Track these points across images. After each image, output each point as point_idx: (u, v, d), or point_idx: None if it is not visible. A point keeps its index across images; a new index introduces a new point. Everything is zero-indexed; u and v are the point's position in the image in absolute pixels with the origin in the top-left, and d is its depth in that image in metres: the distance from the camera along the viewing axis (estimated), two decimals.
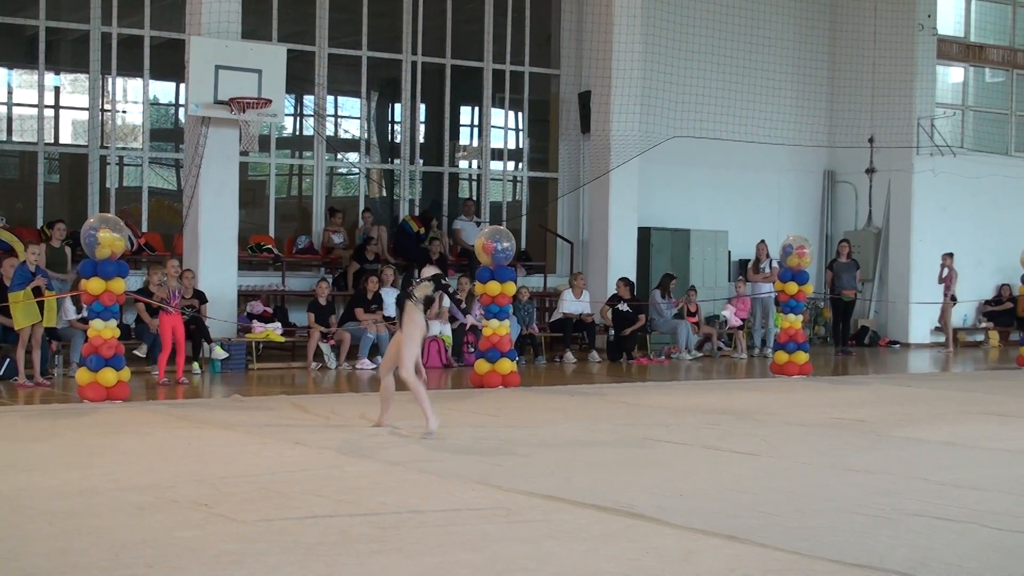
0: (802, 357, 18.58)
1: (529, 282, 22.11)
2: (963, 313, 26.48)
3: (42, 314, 15.23)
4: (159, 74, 21.18)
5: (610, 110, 22.66)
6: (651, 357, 21.09)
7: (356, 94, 23.02)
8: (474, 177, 24.66)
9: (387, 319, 19.00)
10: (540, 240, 24.31)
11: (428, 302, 11.58)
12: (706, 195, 25.03)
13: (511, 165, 24.59)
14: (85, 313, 15.12)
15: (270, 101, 18.60)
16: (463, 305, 18.45)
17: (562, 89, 23.88)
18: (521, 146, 24.82)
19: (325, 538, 7.11)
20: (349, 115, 24.08)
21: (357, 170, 23.46)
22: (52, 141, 21.10)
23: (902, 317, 25.87)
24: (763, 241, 23.31)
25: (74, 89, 21.74)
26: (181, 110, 21.30)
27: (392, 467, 9.71)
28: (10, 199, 20.97)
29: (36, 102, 20.24)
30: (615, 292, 21.27)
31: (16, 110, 21.02)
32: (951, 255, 24.45)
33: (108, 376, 13.79)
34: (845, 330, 23.66)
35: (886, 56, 25.91)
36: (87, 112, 20.57)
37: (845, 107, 26.32)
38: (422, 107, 23.55)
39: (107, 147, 20.49)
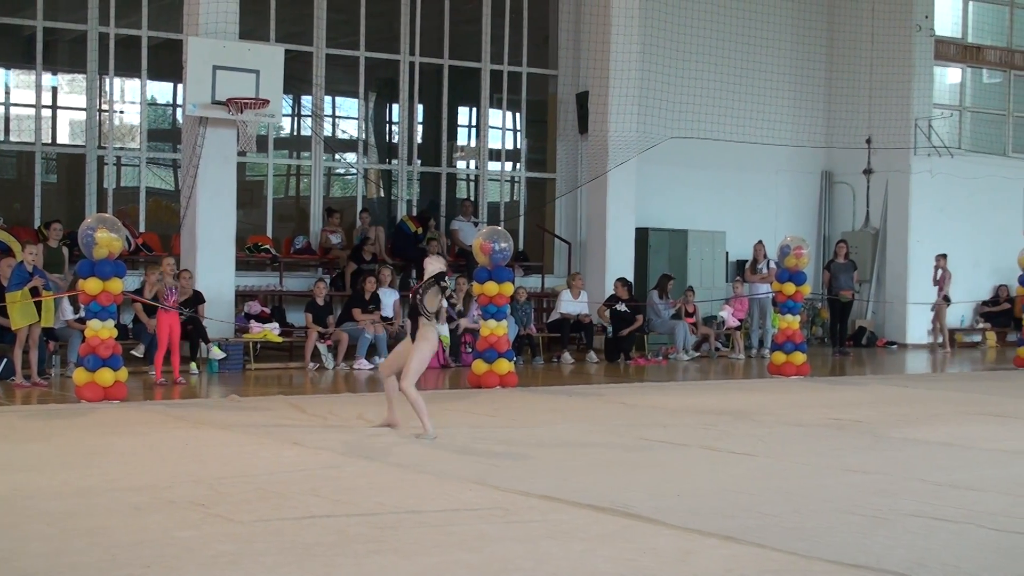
0: (799, 358, 18.59)
1: (527, 282, 22.12)
2: (960, 314, 26.49)
3: (39, 314, 15.22)
4: (157, 74, 21.17)
5: (608, 111, 22.66)
6: (649, 358, 21.10)
7: (354, 94, 23.02)
8: (472, 177, 24.66)
9: (384, 319, 19.02)
10: (538, 241, 24.31)
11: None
12: (704, 196, 25.03)
13: (509, 166, 24.59)
14: (82, 313, 15.13)
15: (268, 101, 18.59)
16: (458, 307, 18.46)
17: (560, 90, 23.88)
18: (519, 147, 24.83)
19: (322, 538, 7.11)
20: (347, 115, 24.09)
21: (355, 170, 23.46)
22: (49, 141, 21.11)
23: (899, 318, 25.89)
24: (760, 242, 23.33)
25: (71, 89, 21.73)
26: (179, 110, 21.28)
27: (389, 467, 9.71)
28: (7, 199, 20.97)
29: (34, 102, 20.24)
30: (613, 293, 21.27)
31: (13, 110, 21.01)
32: (944, 256, 24.47)
33: (105, 376, 13.78)
34: (842, 331, 23.66)
35: (883, 57, 25.93)
36: (84, 112, 20.56)
37: (842, 108, 26.34)
38: (420, 107, 23.55)
39: (105, 147, 20.48)
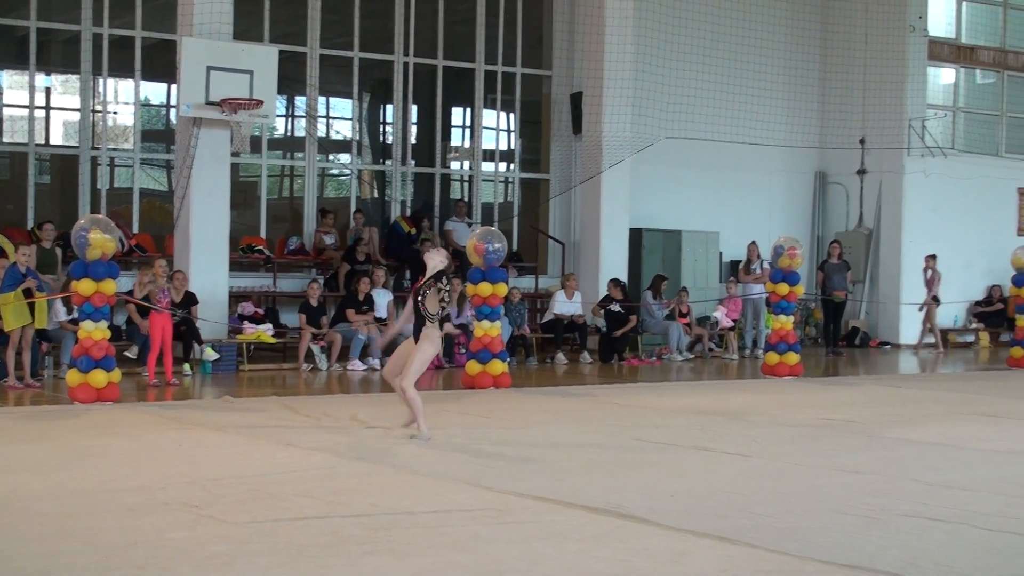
0: (793, 358, 18.59)
1: (520, 283, 22.11)
2: (953, 314, 26.51)
3: (32, 315, 15.20)
4: (150, 75, 21.16)
5: (602, 111, 22.66)
6: (642, 358, 21.10)
7: (348, 95, 23.01)
8: (466, 178, 24.66)
9: (378, 320, 19.01)
10: (532, 241, 24.31)
11: (445, 318, 11.52)
12: (698, 196, 25.04)
13: (503, 166, 24.60)
14: (76, 314, 15.10)
15: (262, 102, 18.58)
16: (447, 310, 18.44)
17: (554, 90, 23.88)
18: (513, 147, 24.81)
19: (316, 539, 7.11)
20: (341, 116, 24.09)
21: (349, 171, 23.45)
22: (43, 142, 21.09)
23: (893, 318, 25.90)
24: (754, 242, 23.33)
25: (65, 90, 21.71)
26: (172, 111, 21.25)
27: (383, 468, 9.71)
28: (0, 200, 20.93)
29: (27, 103, 20.21)
30: (607, 293, 21.28)
31: (7, 111, 20.96)
32: (934, 257, 24.48)
33: (98, 377, 13.76)
34: (836, 331, 23.68)
35: (877, 57, 25.95)
36: (78, 113, 20.53)
37: (836, 108, 26.34)
38: (414, 108, 23.53)
39: (98, 148, 20.47)
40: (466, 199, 23.76)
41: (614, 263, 22.69)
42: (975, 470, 10.17)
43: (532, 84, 24.23)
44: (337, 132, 24.23)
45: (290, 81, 21.69)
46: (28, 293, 15.07)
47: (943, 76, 27.51)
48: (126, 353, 16.86)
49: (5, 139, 21.08)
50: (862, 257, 26.18)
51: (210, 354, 17.61)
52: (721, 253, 24.89)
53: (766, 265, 21.72)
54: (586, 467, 9.96)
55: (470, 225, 22.04)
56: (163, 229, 20.45)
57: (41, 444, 10.91)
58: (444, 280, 11.35)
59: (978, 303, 27.07)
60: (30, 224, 19.37)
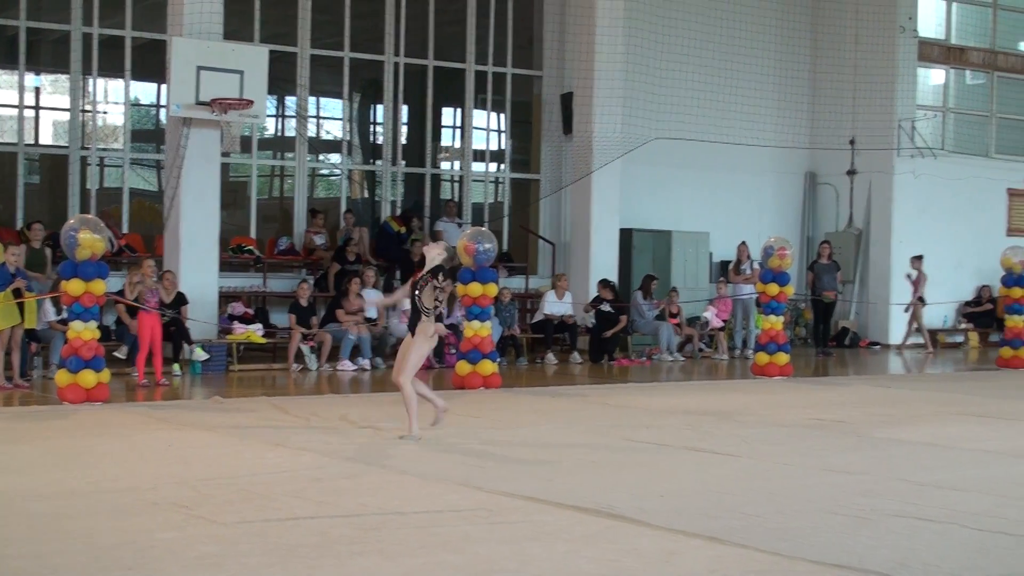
0: (783, 358, 18.61)
1: (511, 283, 22.09)
2: (943, 314, 26.55)
3: (22, 316, 15.17)
4: (140, 75, 21.14)
5: (592, 111, 22.66)
6: (632, 358, 21.11)
7: (338, 95, 23.00)
8: (456, 178, 24.66)
9: (368, 320, 18.99)
10: (522, 241, 24.30)
11: (439, 316, 11.50)
12: (688, 197, 25.05)
13: (493, 166, 24.59)
14: (65, 315, 15.07)
15: (252, 102, 18.53)
16: (439, 310, 18.42)
17: (544, 90, 23.88)
18: (503, 147, 24.81)
19: (306, 540, 7.10)
20: (331, 116, 24.08)
21: (339, 171, 23.44)
22: (32, 142, 21.04)
23: (882, 318, 25.93)
24: (744, 243, 23.35)
25: (55, 90, 21.68)
26: (162, 111, 21.23)
27: (373, 469, 9.70)
28: None
29: (16, 103, 20.17)
30: (597, 294, 21.28)
31: None
32: (920, 258, 24.49)
33: (88, 378, 13.73)
34: (826, 331, 23.70)
35: (867, 58, 25.99)
36: (68, 113, 20.50)
37: (826, 109, 26.36)
38: (404, 108, 23.53)
39: (88, 148, 20.43)
40: (456, 199, 23.76)
41: (604, 263, 22.69)
42: (965, 470, 10.19)
43: (522, 84, 24.23)
44: (327, 132, 24.21)
45: (280, 81, 21.66)
46: (17, 293, 15.03)
47: (933, 77, 27.56)
48: (115, 353, 16.81)
49: None
50: (852, 257, 26.21)
51: (200, 354, 17.59)
52: (711, 253, 24.91)
53: (756, 265, 21.73)
54: (576, 467, 9.96)
55: (460, 225, 22.03)
56: (153, 229, 20.42)
57: (30, 444, 10.88)
58: (440, 277, 11.29)
59: (967, 303, 27.12)
60: (19, 224, 19.34)
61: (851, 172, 26.49)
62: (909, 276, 24.59)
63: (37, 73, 21.36)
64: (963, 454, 11.09)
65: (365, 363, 18.57)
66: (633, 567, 6.68)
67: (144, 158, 22.44)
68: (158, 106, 22.17)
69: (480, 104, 23.98)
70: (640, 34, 23.23)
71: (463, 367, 16.31)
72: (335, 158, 23.78)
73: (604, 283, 21.32)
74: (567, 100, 23.24)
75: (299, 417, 12.80)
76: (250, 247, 20.94)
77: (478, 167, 24.18)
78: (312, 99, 22.92)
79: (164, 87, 19.76)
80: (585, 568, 6.62)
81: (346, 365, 18.40)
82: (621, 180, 23.14)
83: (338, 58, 22.30)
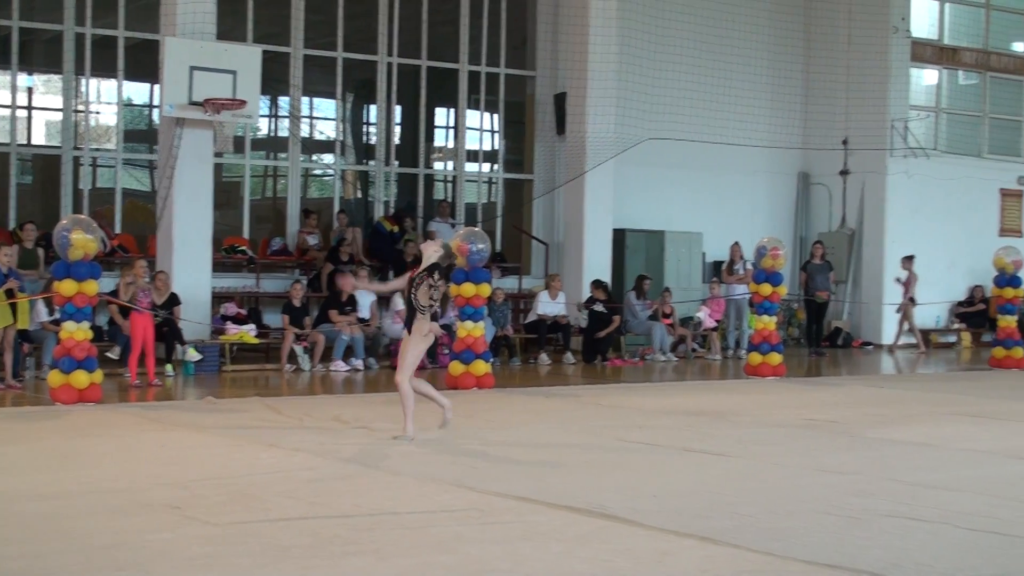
0: (776, 358, 18.63)
1: (504, 284, 22.09)
2: (936, 314, 26.58)
3: (14, 316, 15.14)
4: (133, 75, 21.10)
5: (585, 112, 22.67)
6: (625, 359, 21.11)
7: (331, 95, 22.98)
8: (449, 179, 24.66)
9: (361, 321, 18.99)
10: (515, 242, 24.31)
11: (435, 315, 11.48)
12: (681, 197, 25.05)
13: (486, 167, 24.58)
14: (57, 315, 15.05)
15: (245, 102, 18.52)
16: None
17: (537, 91, 23.88)
18: (496, 148, 24.81)
19: (299, 540, 7.10)
20: (324, 116, 24.05)
21: (332, 172, 23.43)
22: (25, 142, 21.01)
23: (875, 318, 25.95)
24: (737, 243, 23.34)
25: (47, 90, 21.65)
26: (155, 111, 21.21)
27: (366, 469, 9.70)
28: None
29: (9, 103, 20.13)
30: (590, 295, 21.29)
31: None
32: (911, 258, 24.51)
33: (80, 378, 13.71)
34: (818, 331, 23.72)
35: (860, 58, 26.01)
36: (60, 113, 20.48)
37: (819, 109, 26.38)
38: (397, 108, 23.51)
39: (80, 148, 20.40)
40: (449, 200, 23.76)
41: (597, 264, 22.69)
42: (957, 470, 10.20)
43: (516, 85, 24.23)
44: (320, 132, 24.19)
45: (273, 81, 21.65)
46: (10, 294, 15.00)
47: (926, 77, 27.60)
48: (108, 354, 16.80)
49: None
50: (845, 258, 26.23)
51: (192, 355, 17.57)
52: (704, 254, 24.93)
53: (749, 266, 21.73)
54: (569, 467, 9.96)
55: (453, 226, 22.02)
56: (146, 229, 20.39)
57: (23, 445, 10.87)
58: (436, 275, 11.28)
59: (960, 303, 27.15)
60: (12, 224, 19.31)
61: (844, 172, 26.51)
62: (899, 279, 24.62)
63: (30, 73, 21.33)
64: (956, 454, 11.11)
65: (358, 363, 18.56)
66: (626, 567, 6.68)
67: (137, 158, 22.40)
68: (151, 106, 22.15)
69: (473, 104, 23.98)
70: (633, 34, 23.23)
71: (456, 367, 16.30)
72: (328, 158, 23.77)
73: (597, 283, 21.33)
74: (560, 100, 23.24)
75: (292, 418, 12.79)
76: (243, 247, 20.93)
77: (471, 167, 24.17)
78: (305, 99, 22.91)
79: (157, 87, 19.74)
80: (578, 568, 6.63)
81: (339, 365, 18.40)
82: (614, 180, 23.15)
83: (331, 58, 22.29)
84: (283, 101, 22.60)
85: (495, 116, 24.52)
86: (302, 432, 11.77)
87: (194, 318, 17.99)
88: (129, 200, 21.32)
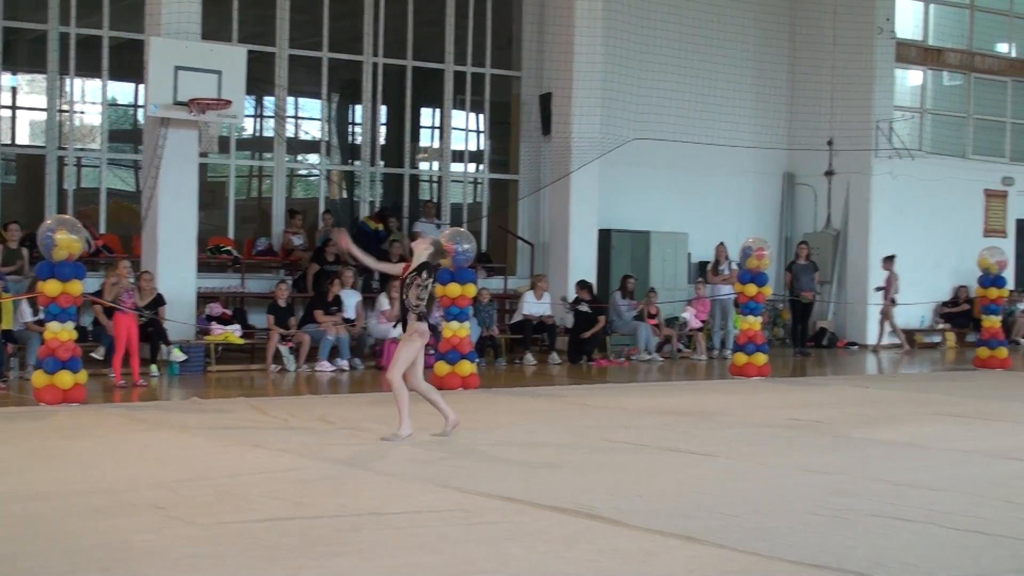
0: (761, 359, 18.65)
1: (489, 284, 22.09)
2: (920, 314, 26.64)
3: None
4: (118, 75, 21.05)
5: (571, 112, 22.68)
6: (611, 359, 21.13)
7: (316, 95, 22.95)
8: (435, 179, 24.64)
9: (346, 321, 18.97)
10: (501, 242, 24.31)
11: (424, 313, 11.46)
12: (666, 197, 25.08)
13: (472, 167, 24.58)
14: (42, 315, 15.00)
15: (230, 102, 18.49)
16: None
17: (523, 91, 23.88)
18: (482, 148, 24.81)
19: (284, 541, 7.08)
20: (309, 116, 24.02)
21: (317, 172, 23.40)
22: (9, 142, 20.97)
23: (860, 319, 26.00)
24: (722, 243, 23.38)
25: (31, 89, 21.58)
26: (140, 111, 21.17)
27: (351, 469, 9.69)
28: None
29: None
30: (576, 296, 21.30)
31: None
32: (891, 258, 24.55)
33: (65, 379, 13.67)
34: (804, 332, 23.76)
35: (845, 59, 26.06)
36: (45, 113, 20.42)
37: (804, 110, 26.42)
38: (383, 109, 23.51)
39: (65, 148, 20.35)
40: (435, 200, 23.74)
41: (583, 264, 22.71)
42: (942, 470, 10.22)
43: (501, 85, 24.24)
44: (306, 132, 24.17)
45: (259, 81, 21.61)
46: None
47: (910, 78, 27.66)
48: (92, 354, 16.75)
49: None
50: (830, 258, 26.28)
51: (177, 355, 17.53)
52: (690, 254, 24.95)
53: (734, 266, 21.77)
54: (555, 468, 9.96)
55: (439, 226, 22.00)
56: (130, 230, 20.35)
57: (6, 446, 10.83)
58: (423, 275, 11.29)
59: (945, 304, 27.22)
60: None
61: (829, 173, 26.56)
62: (878, 288, 24.65)
63: (14, 73, 21.27)
64: (940, 454, 11.13)
65: (344, 364, 18.55)
66: (611, 567, 6.69)
67: (122, 158, 22.35)
68: (136, 106, 22.10)
69: (459, 104, 23.98)
70: (619, 35, 23.26)
71: (442, 368, 16.29)
72: (313, 158, 23.74)
73: (582, 284, 21.34)
74: (546, 101, 23.25)
75: (278, 418, 12.77)
76: (228, 247, 20.90)
77: (457, 167, 24.16)
78: (290, 99, 22.89)
79: (142, 87, 19.71)
80: (564, 568, 6.63)
81: (325, 366, 18.37)
82: (600, 181, 23.16)
83: (316, 58, 22.27)
84: (268, 101, 22.56)
85: (480, 116, 24.53)
86: (287, 432, 11.75)
87: (179, 318, 17.96)
88: (114, 200, 21.28)
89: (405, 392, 11.30)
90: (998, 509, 8.46)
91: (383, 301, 19.35)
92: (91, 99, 21.29)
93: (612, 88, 23.10)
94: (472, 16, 23.50)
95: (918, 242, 26.29)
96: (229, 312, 19.21)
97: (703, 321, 22.75)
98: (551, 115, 23.09)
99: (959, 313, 26.99)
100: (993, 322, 21.55)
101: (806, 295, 23.23)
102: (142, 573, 6.39)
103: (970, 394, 16.73)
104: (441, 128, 24.23)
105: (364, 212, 22.62)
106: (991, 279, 21.60)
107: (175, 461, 10.01)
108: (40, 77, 20.63)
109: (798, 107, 26.60)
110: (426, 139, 25.37)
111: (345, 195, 24.11)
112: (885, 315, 24.72)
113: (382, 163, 23.39)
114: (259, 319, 19.43)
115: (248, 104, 21.07)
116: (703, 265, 24.35)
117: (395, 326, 18.05)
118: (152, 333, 17.12)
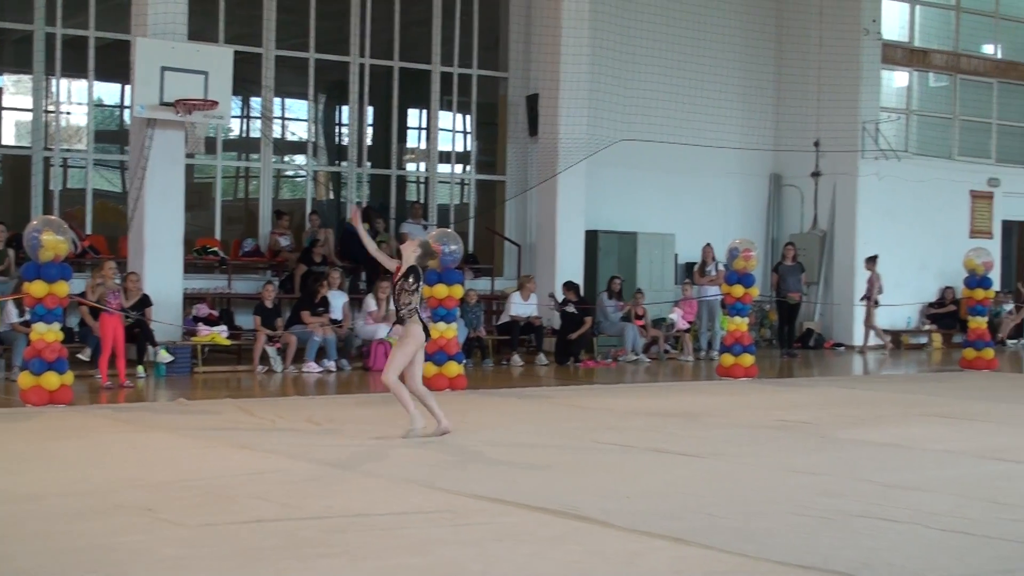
0: (748, 360, 18.68)
1: (476, 285, 22.09)
2: (907, 315, 26.70)
3: None
4: (104, 75, 21.01)
5: (558, 113, 22.69)
6: (598, 360, 21.14)
7: (303, 96, 22.92)
8: (422, 180, 24.64)
9: (333, 322, 18.95)
10: (488, 243, 24.31)
11: (405, 317, 11.48)
12: (653, 198, 25.09)
13: (459, 168, 24.57)
14: (28, 316, 14.96)
15: (216, 103, 18.45)
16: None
17: (510, 92, 23.89)
18: (469, 149, 24.81)
19: (270, 542, 7.07)
20: (296, 117, 23.99)
21: (304, 173, 23.37)
22: None
23: (847, 320, 26.03)
24: (709, 244, 23.40)
25: (17, 90, 21.52)
26: (126, 112, 21.13)
27: (338, 471, 9.68)
28: None
29: None
30: (563, 296, 21.31)
31: None
32: (873, 259, 24.58)
33: (51, 380, 13.64)
34: (790, 333, 23.79)
35: (831, 61, 26.10)
36: (31, 113, 20.37)
37: (791, 111, 26.47)
38: (370, 109, 23.49)
39: (51, 149, 20.30)
40: (422, 201, 23.73)
41: (570, 265, 22.71)
42: (928, 471, 10.25)
43: (488, 86, 24.23)
44: (292, 133, 24.14)
45: (245, 82, 21.58)
46: None
47: (896, 79, 27.72)
48: (79, 355, 16.70)
49: None
50: (816, 259, 26.32)
51: (164, 356, 17.50)
52: (676, 255, 24.96)
53: (721, 267, 21.80)
54: (541, 469, 9.96)
55: (426, 227, 22.00)
56: (117, 230, 20.32)
57: None
58: (410, 279, 11.32)
59: (931, 305, 27.29)
60: None
61: (815, 174, 26.60)
62: (863, 297, 24.65)
63: None
64: (927, 455, 11.15)
65: (331, 365, 18.53)
66: (597, 568, 6.69)
67: (108, 159, 22.31)
68: (122, 107, 22.06)
69: (446, 105, 23.97)
70: (606, 36, 23.28)
71: (429, 369, 16.25)
72: (300, 159, 23.71)
73: (569, 285, 21.35)
74: (533, 102, 23.25)
75: (264, 419, 12.75)
76: (215, 248, 20.87)
77: (444, 168, 24.16)
78: (277, 100, 22.87)
79: (128, 88, 19.68)
80: (550, 569, 6.63)
81: (311, 367, 18.35)
82: (587, 182, 23.17)
83: (303, 59, 22.24)
84: (255, 102, 22.52)
85: (467, 117, 24.53)
86: (274, 434, 11.74)
87: (165, 319, 17.93)
88: (100, 201, 21.23)
89: (403, 388, 11.33)
90: (984, 510, 8.48)
91: (370, 302, 19.34)
92: (77, 100, 21.25)
93: (599, 89, 23.12)
94: (459, 17, 23.50)
95: (904, 243, 26.35)
96: (216, 313, 19.19)
97: (690, 322, 22.78)
98: (538, 116, 23.10)
99: (945, 314, 27.06)
100: (979, 323, 21.60)
101: (793, 296, 23.27)
102: (129, 574, 6.38)
103: (956, 395, 16.76)
104: (428, 129, 24.22)
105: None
106: (977, 280, 21.66)
107: (162, 462, 9.99)
108: (26, 77, 20.57)
109: (784, 108, 26.65)
110: (413, 140, 25.36)
111: (332, 196, 24.09)
112: (867, 321, 24.68)
113: (369, 164, 23.38)
114: (246, 320, 19.40)
115: (235, 105, 21.03)
116: (690, 266, 24.37)
117: (391, 331, 18.08)
118: (138, 334, 17.09)
